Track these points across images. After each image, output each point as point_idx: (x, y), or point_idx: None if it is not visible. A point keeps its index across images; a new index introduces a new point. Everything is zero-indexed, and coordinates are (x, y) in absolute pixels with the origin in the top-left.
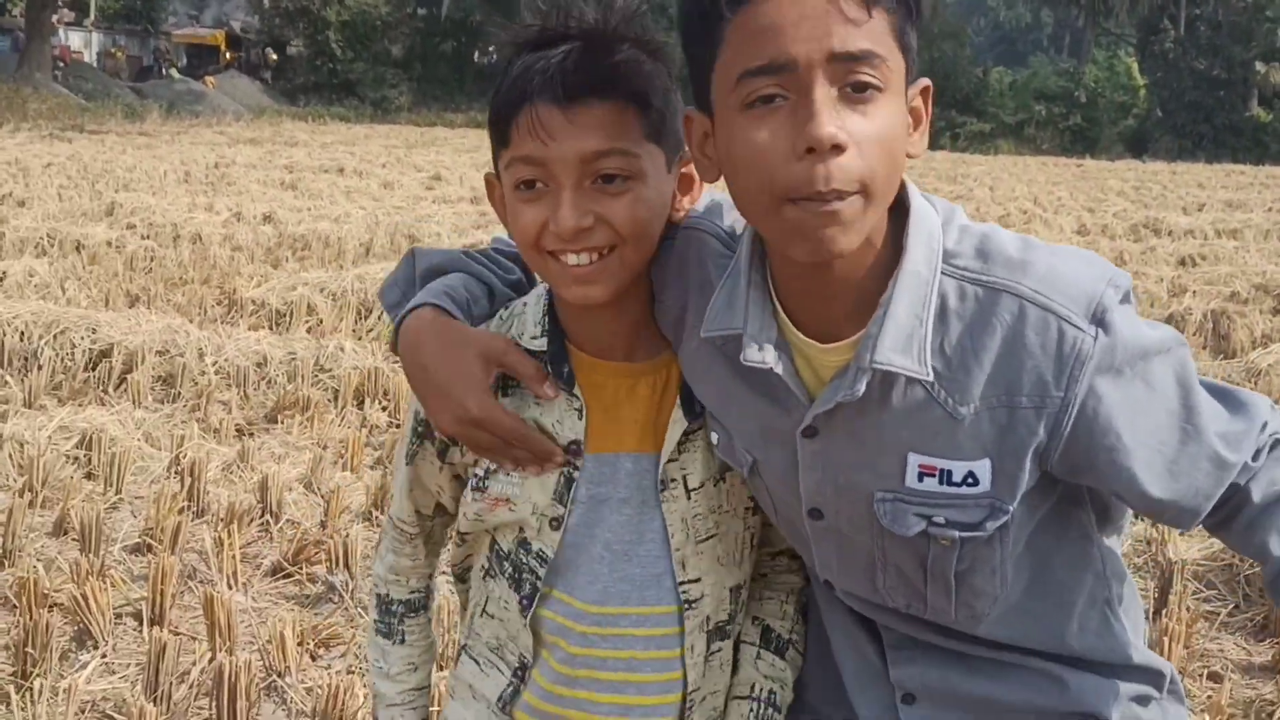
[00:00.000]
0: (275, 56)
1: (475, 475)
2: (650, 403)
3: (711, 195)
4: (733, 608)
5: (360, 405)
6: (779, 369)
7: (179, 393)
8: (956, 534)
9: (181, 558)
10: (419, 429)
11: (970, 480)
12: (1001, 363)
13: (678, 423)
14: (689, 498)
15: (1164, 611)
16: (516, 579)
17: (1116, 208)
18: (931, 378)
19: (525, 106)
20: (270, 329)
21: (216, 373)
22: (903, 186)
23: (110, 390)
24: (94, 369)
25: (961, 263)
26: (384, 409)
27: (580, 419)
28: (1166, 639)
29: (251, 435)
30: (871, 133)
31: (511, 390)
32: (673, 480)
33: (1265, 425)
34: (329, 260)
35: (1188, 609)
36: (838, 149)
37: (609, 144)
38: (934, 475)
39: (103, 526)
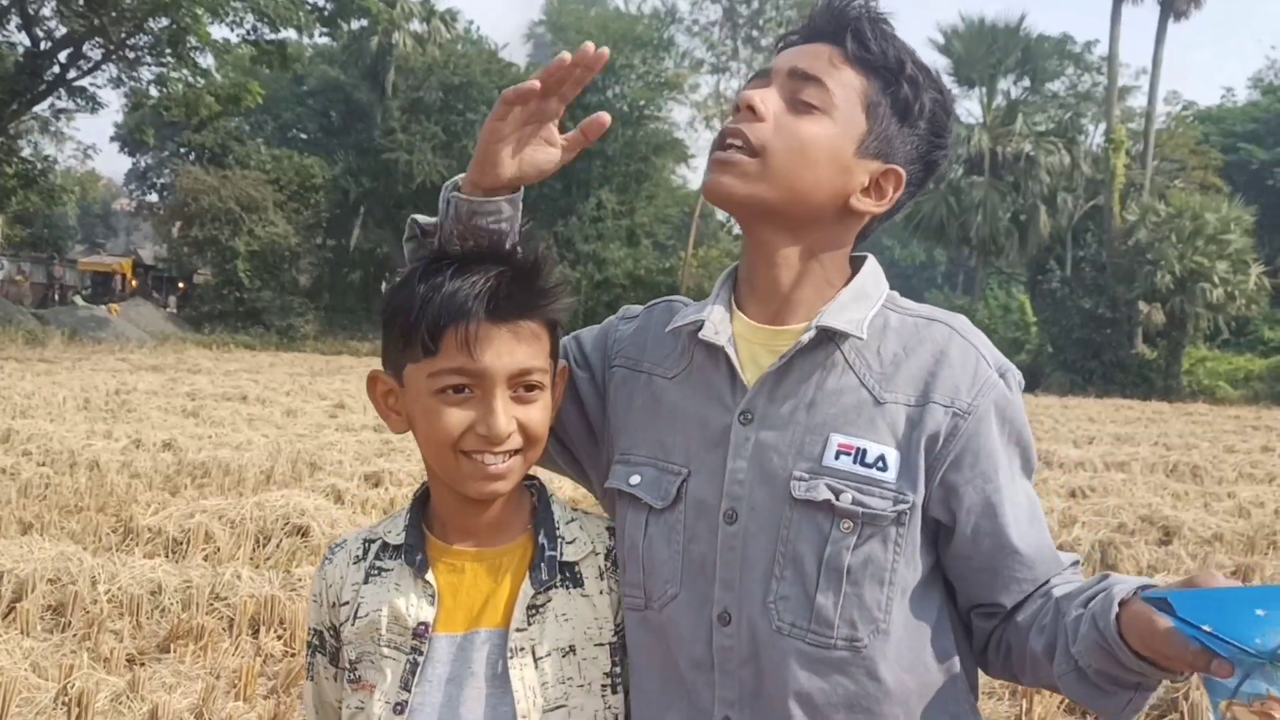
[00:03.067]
0: (182, 285)
1: (349, 666)
2: (506, 582)
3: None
4: None
5: (255, 634)
6: (729, 349)
7: (69, 621)
8: (860, 511)
9: None
10: (312, 643)
11: (880, 465)
12: (927, 368)
13: (526, 593)
14: (536, 666)
15: None
16: None
17: None
18: (865, 336)
19: (461, 322)
20: (166, 557)
21: (109, 601)
22: (862, 257)
23: None
24: None
25: (903, 304)
26: (279, 638)
27: (431, 604)
28: None
29: (143, 665)
30: (796, 130)
31: (373, 578)
32: (521, 649)
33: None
34: (228, 488)
35: None
36: (753, 111)
37: (533, 361)
38: (850, 454)
39: None
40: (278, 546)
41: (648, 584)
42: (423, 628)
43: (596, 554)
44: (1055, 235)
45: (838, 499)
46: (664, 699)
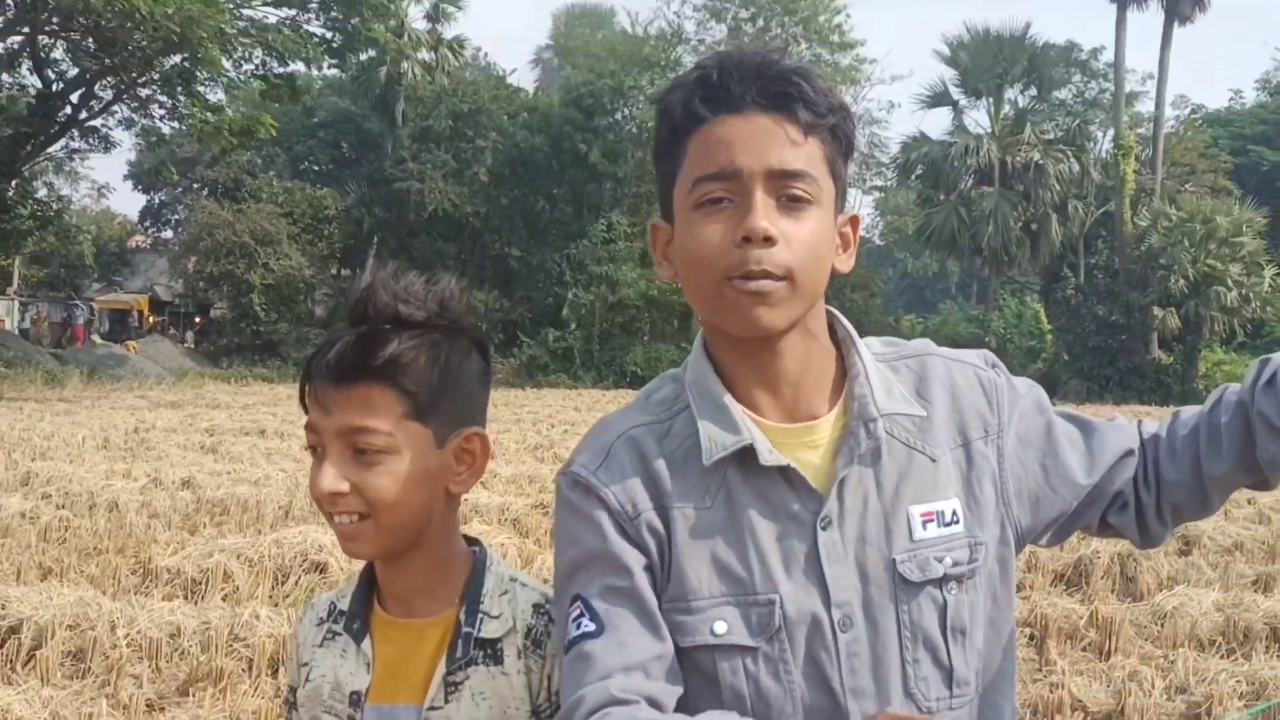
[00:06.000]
0: (199, 319)
1: None
2: (428, 656)
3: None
4: None
5: (274, 674)
6: (794, 463)
7: (89, 667)
8: (962, 571)
9: None
10: (288, 699)
11: (954, 519)
12: (949, 406)
13: (440, 670)
14: None
15: None
16: None
17: None
18: (925, 414)
19: (311, 383)
20: (185, 598)
21: (128, 645)
22: (832, 314)
23: (18, 668)
24: (1, 646)
25: (880, 351)
26: None
27: (367, 673)
28: None
29: (163, 709)
30: (800, 234)
31: (327, 642)
32: None
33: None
34: (247, 525)
35: None
36: (769, 240)
37: (363, 422)
38: (933, 519)
39: None
40: (296, 584)
41: (769, 717)
42: (356, 696)
43: (516, 632)
44: (1067, 243)
45: (941, 564)
46: None
